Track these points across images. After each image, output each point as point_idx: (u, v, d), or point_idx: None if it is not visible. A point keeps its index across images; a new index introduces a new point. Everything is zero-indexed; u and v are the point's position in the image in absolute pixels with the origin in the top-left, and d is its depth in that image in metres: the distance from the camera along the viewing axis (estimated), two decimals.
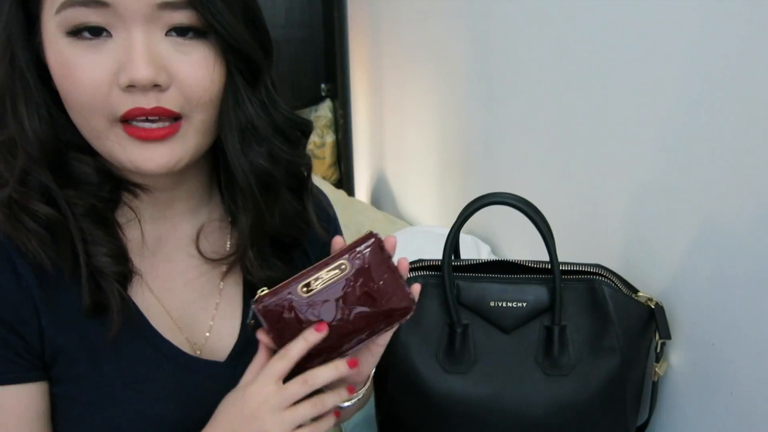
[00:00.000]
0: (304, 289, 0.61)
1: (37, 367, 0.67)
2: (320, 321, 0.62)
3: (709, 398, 0.88)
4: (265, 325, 0.62)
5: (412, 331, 0.90)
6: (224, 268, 0.77)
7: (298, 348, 0.62)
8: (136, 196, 0.69)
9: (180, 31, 0.62)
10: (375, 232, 0.64)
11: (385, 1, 2.13)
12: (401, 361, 0.88)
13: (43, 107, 0.64)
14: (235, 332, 0.76)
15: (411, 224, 1.98)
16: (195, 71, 0.62)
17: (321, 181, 2.45)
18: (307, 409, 0.63)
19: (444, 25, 1.68)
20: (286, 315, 0.62)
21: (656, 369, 0.91)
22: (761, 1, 0.74)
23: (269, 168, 0.70)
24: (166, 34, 0.61)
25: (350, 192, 2.70)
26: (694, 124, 0.86)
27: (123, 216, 0.70)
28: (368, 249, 0.63)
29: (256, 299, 0.62)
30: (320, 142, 2.87)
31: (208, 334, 0.75)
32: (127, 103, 0.60)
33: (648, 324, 0.90)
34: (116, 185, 0.68)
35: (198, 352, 0.74)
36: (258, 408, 0.62)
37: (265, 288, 0.63)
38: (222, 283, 0.77)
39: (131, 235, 0.71)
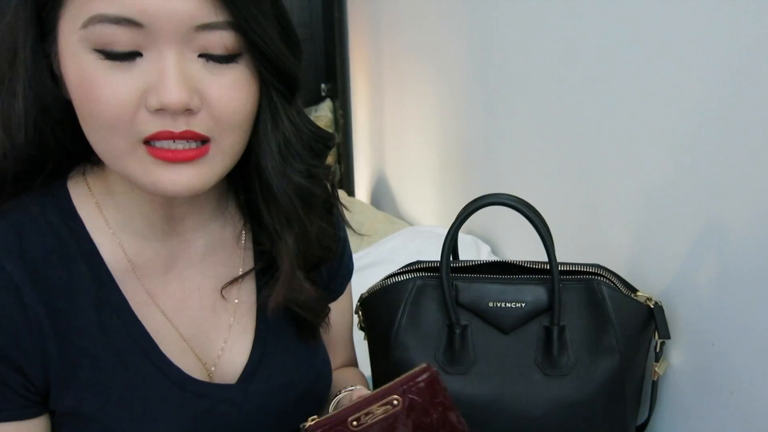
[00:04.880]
0: (354, 423, 0.61)
1: (35, 403, 0.64)
2: None
3: (709, 398, 0.88)
4: None
5: (410, 333, 0.90)
6: (237, 283, 0.74)
7: None
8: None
9: (215, 57, 0.58)
10: (431, 365, 0.63)
11: (385, 1, 2.13)
12: (400, 363, 0.88)
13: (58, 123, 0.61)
14: (246, 351, 0.73)
15: (411, 224, 1.97)
16: (227, 93, 0.59)
17: None
18: None
19: (444, 25, 1.68)
20: None
21: (656, 368, 0.91)
22: (766, 3, 0.73)
23: (309, 185, 0.67)
24: (198, 55, 0.58)
25: (350, 192, 2.69)
26: (694, 125, 0.86)
27: None
28: (422, 383, 0.62)
29: (306, 428, 0.61)
30: None
31: (220, 354, 0.72)
32: (155, 125, 0.57)
33: (647, 323, 0.90)
34: None
35: (213, 368, 0.71)
36: None
37: (315, 416, 0.62)
38: (237, 301, 0.74)
39: (145, 255, 0.68)
